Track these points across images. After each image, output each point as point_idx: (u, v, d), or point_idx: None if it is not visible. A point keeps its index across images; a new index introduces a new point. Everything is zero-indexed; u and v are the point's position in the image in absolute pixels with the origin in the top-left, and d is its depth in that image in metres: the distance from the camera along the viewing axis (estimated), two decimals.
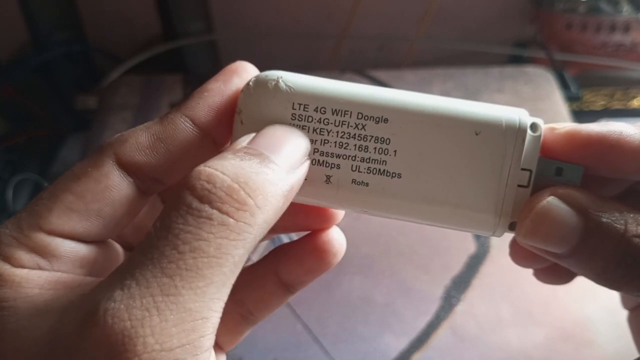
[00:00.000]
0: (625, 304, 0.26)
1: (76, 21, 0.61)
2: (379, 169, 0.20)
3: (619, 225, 0.18)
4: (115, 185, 0.19)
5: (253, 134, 0.19)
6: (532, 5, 0.62)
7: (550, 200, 0.19)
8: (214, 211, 0.16)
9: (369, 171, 0.20)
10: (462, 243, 0.40)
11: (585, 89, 0.56)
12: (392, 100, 0.20)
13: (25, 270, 0.17)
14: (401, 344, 0.35)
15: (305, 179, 0.19)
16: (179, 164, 0.20)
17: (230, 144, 0.20)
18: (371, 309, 0.37)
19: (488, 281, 0.38)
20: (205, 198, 0.16)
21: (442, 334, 0.35)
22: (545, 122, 0.20)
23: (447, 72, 0.54)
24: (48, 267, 0.18)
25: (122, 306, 0.15)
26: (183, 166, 0.20)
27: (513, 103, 0.46)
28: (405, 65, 0.65)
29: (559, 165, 0.20)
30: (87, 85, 0.60)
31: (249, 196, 0.16)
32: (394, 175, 0.20)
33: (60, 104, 0.59)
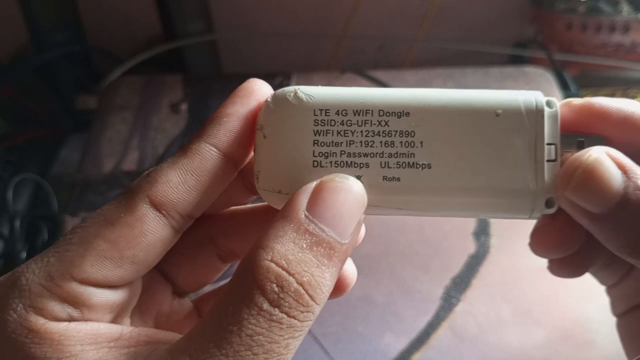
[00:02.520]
0: (614, 310, 0.25)
1: (76, 21, 0.61)
2: (408, 162, 0.20)
3: None
4: (150, 229, 0.18)
5: (311, 188, 0.19)
6: (532, 6, 0.62)
7: (603, 154, 0.19)
8: (284, 315, 0.17)
9: (398, 165, 0.20)
10: (462, 243, 0.40)
11: (585, 89, 0.56)
12: (410, 95, 0.20)
13: (62, 325, 0.17)
14: (401, 344, 0.35)
15: None
16: (209, 195, 0.20)
17: (254, 158, 0.20)
18: (371, 309, 0.37)
19: (488, 281, 0.38)
20: (275, 302, 0.17)
21: (442, 334, 0.35)
22: None
23: (447, 72, 0.54)
24: (79, 317, 0.17)
25: None
26: (212, 197, 0.20)
27: None
28: (405, 65, 0.65)
29: (580, 138, 0.20)
30: (87, 85, 0.60)
31: (312, 298, 0.17)
32: (424, 166, 0.20)
33: (60, 104, 0.59)
